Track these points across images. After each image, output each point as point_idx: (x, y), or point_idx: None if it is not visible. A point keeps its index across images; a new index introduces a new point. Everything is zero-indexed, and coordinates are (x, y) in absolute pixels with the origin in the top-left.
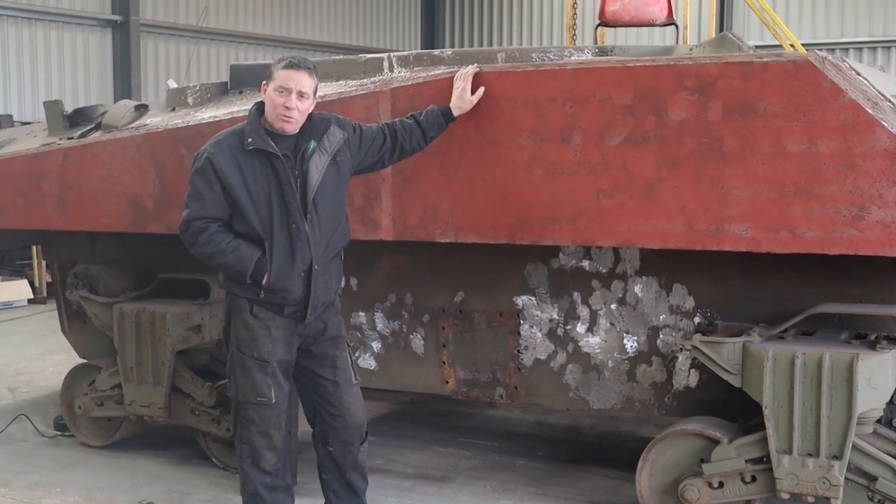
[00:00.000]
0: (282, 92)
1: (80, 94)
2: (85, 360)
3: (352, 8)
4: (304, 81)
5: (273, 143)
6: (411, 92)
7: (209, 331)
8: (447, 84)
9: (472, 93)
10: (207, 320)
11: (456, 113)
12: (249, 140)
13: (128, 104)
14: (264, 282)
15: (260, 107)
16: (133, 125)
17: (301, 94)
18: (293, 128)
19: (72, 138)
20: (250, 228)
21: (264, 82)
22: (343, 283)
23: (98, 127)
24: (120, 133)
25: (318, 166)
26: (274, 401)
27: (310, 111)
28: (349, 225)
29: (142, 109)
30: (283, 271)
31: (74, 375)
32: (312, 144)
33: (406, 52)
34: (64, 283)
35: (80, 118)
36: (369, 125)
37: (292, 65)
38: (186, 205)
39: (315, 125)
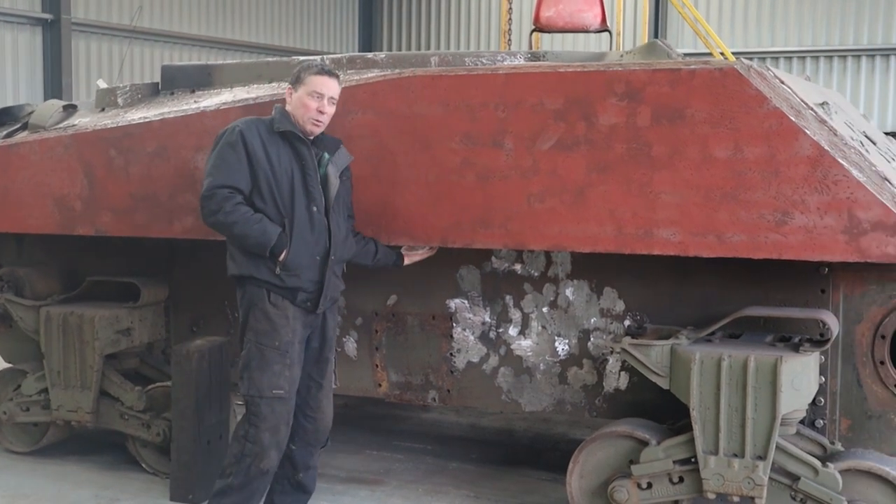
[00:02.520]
0: (314, 96)
1: (7, 93)
2: (10, 365)
3: (289, 10)
4: (334, 88)
5: (300, 132)
6: (344, 95)
7: (139, 334)
8: (380, 87)
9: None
10: (137, 323)
11: (405, 261)
12: (279, 125)
13: (56, 104)
14: (282, 257)
15: (283, 108)
16: (61, 125)
17: (332, 100)
18: (320, 130)
19: None
20: (270, 206)
21: (290, 86)
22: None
23: (25, 127)
24: (47, 133)
25: (334, 174)
26: (287, 394)
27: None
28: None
29: (70, 109)
30: (301, 249)
31: None
32: (327, 156)
33: (339, 55)
34: None
35: (5, 118)
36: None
37: (325, 71)
38: (210, 174)
39: (327, 141)
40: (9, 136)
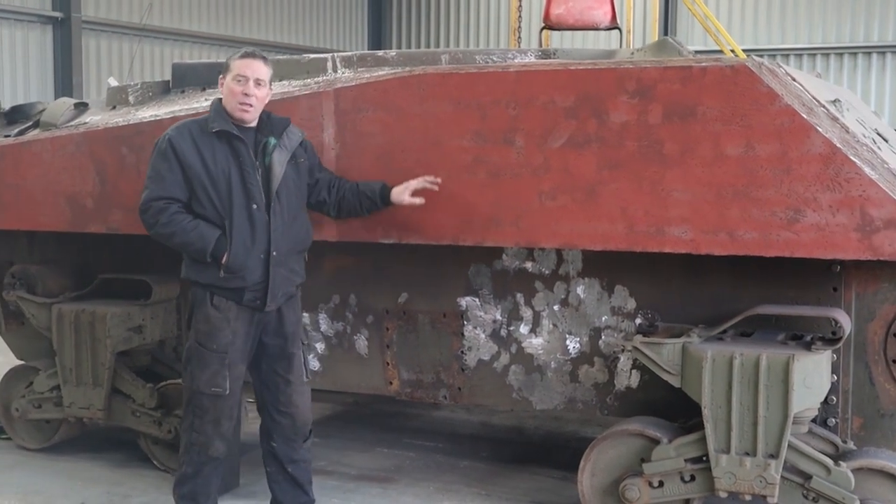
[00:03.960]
0: (240, 80)
1: (18, 91)
2: (22, 362)
3: (298, 8)
4: (261, 69)
5: (236, 128)
6: (355, 92)
7: (150, 332)
8: (391, 85)
9: (414, 196)
10: (149, 321)
11: (392, 199)
12: (214, 124)
13: (67, 102)
14: (224, 260)
15: (220, 101)
16: (72, 123)
17: (258, 82)
18: (252, 116)
19: (9, 136)
20: (209, 210)
21: (221, 76)
22: (303, 282)
23: (36, 125)
24: (59, 131)
25: (280, 161)
26: (228, 392)
27: (266, 100)
28: (311, 226)
29: (81, 107)
30: (241, 250)
31: (11, 377)
32: (273, 140)
33: (350, 53)
34: (1, 284)
35: (17, 116)
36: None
37: (248, 54)
38: (147, 186)
39: (274, 123)
40: (20, 133)
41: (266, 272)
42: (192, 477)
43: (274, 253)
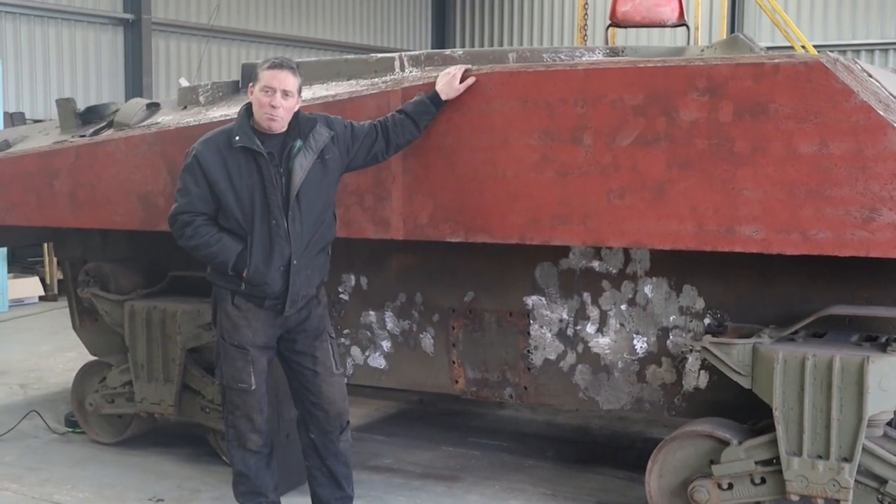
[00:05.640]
0: (267, 92)
1: (91, 92)
2: (96, 358)
3: (362, 7)
4: (288, 80)
5: (259, 142)
6: (423, 91)
7: None
8: None
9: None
10: None
11: (443, 97)
12: (237, 138)
13: (140, 102)
14: (244, 275)
15: (248, 108)
16: (145, 123)
17: (286, 93)
18: (279, 126)
19: (84, 136)
20: (234, 223)
21: (251, 84)
22: (325, 279)
23: (110, 125)
24: (132, 131)
25: (302, 164)
26: (254, 387)
27: (295, 109)
28: (335, 221)
29: (153, 108)
30: (261, 265)
31: (85, 372)
32: (298, 143)
33: (417, 52)
34: (75, 281)
35: (92, 116)
36: (361, 123)
37: (276, 65)
38: (175, 199)
39: (301, 125)
40: (95, 133)
41: (286, 282)
42: (244, 474)
43: (294, 262)
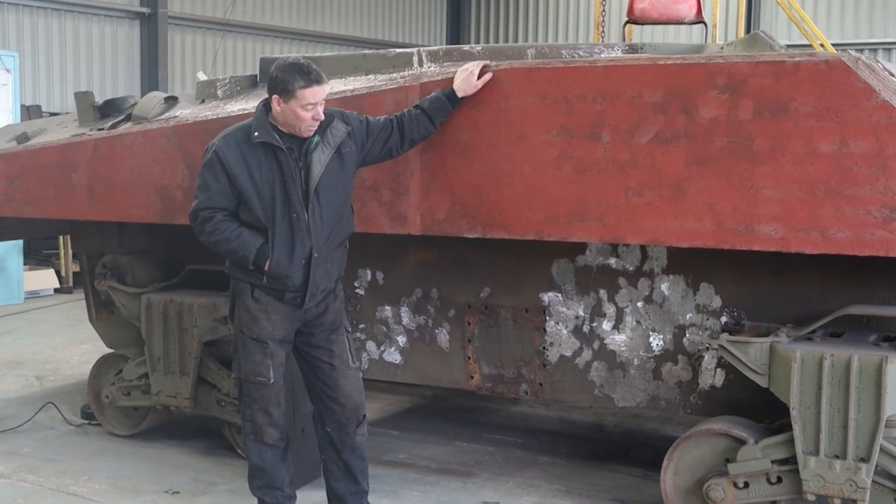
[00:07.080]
0: (308, 108)
1: (107, 85)
2: (112, 350)
3: (378, 2)
4: (324, 91)
5: (278, 138)
6: (441, 86)
7: None
8: None
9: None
10: None
11: (460, 94)
12: (256, 134)
13: (158, 96)
14: (266, 268)
15: (266, 104)
16: (163, 117)
17: (322, 103)
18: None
19: (102, 129)
20: (254, 218)
21: (277, 97)
22: (343, 273)
23: (128, 118)
24: (150, 124)
25: (320, 159)
26: (272, 380)
27: None
28: (353, 215)
29: (171, 101)
30: (283, 258)
31: (102, 365)
32: (316, 138)
33: (436, 47)
34: (92, 273)
35: (110, 109)
36: (376, 118)
37: (312, 81)
38: (195, 195)
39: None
40: (113, 127)
41: (307, 276)
42: (260, 468)
43: (315, 255)
